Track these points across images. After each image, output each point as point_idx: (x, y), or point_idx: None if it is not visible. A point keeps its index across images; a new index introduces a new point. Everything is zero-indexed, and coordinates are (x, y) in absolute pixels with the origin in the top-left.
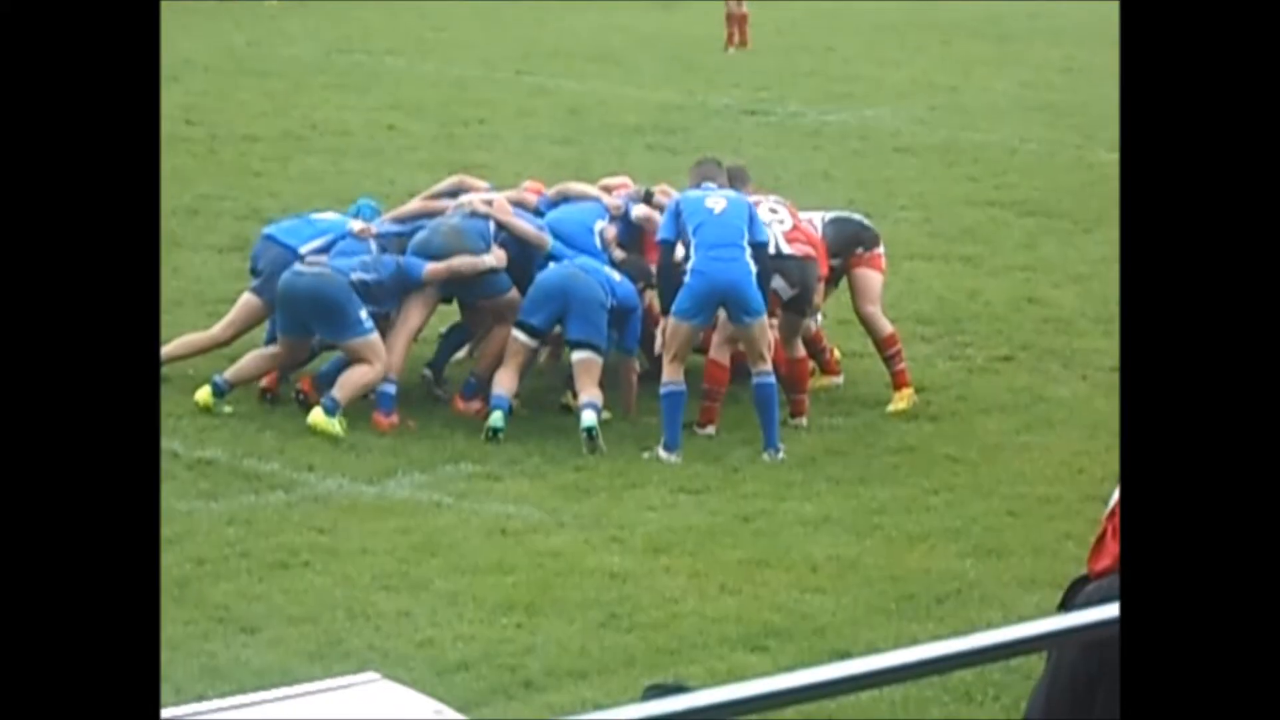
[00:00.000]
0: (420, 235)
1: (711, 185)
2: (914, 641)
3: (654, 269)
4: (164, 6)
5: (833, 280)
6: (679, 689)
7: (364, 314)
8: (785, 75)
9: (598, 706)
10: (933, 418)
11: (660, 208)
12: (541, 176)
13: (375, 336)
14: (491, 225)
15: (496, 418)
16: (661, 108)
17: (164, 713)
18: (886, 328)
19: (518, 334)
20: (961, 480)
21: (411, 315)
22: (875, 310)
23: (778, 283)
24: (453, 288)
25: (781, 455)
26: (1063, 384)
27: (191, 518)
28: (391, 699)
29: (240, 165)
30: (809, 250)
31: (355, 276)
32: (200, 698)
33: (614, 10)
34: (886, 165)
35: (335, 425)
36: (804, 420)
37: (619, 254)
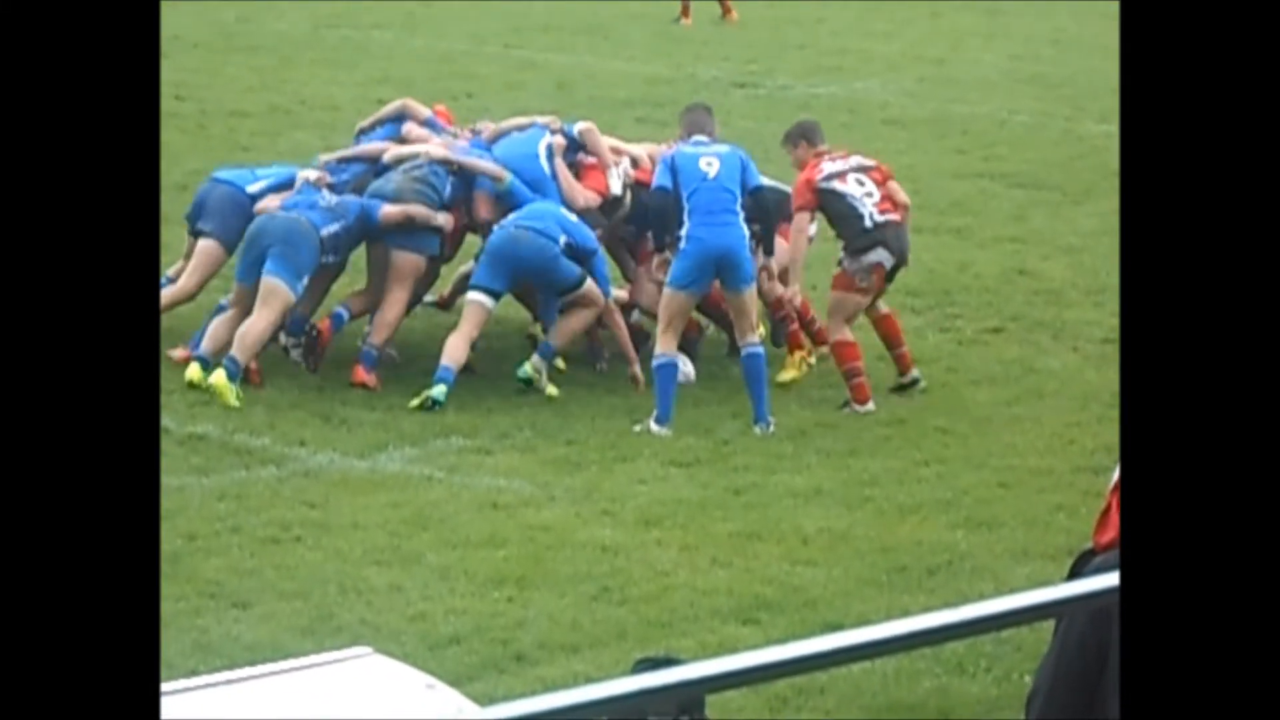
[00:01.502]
0: (378, 183)
1: (702, 138)
2: (905, 613)
3: (602, 214)
4: None
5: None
6: (670, 661)
7: (304, 280)
8: (774, 48)
9: (589, 679)
10: (923, 390)
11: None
12: None
13: (289, 292)
14: (447, 172)
15: (440, 391)
16: (650, 81)
17: None
18: (773, 291)
19: (478, 296)
20: (952, 452)
21: (396, 300)
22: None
23: (880, 254)
24: (393, 235)
25: (772, 428)
26: (1053, 356)
27: (183, 493)
28: (383, 673)
29: (229, 141)
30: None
31: (327, 231)
32: (192, 673)
33: None
34: (876, 138)
35: (232, 393)
36: (870, 405)
37: (573, 188)
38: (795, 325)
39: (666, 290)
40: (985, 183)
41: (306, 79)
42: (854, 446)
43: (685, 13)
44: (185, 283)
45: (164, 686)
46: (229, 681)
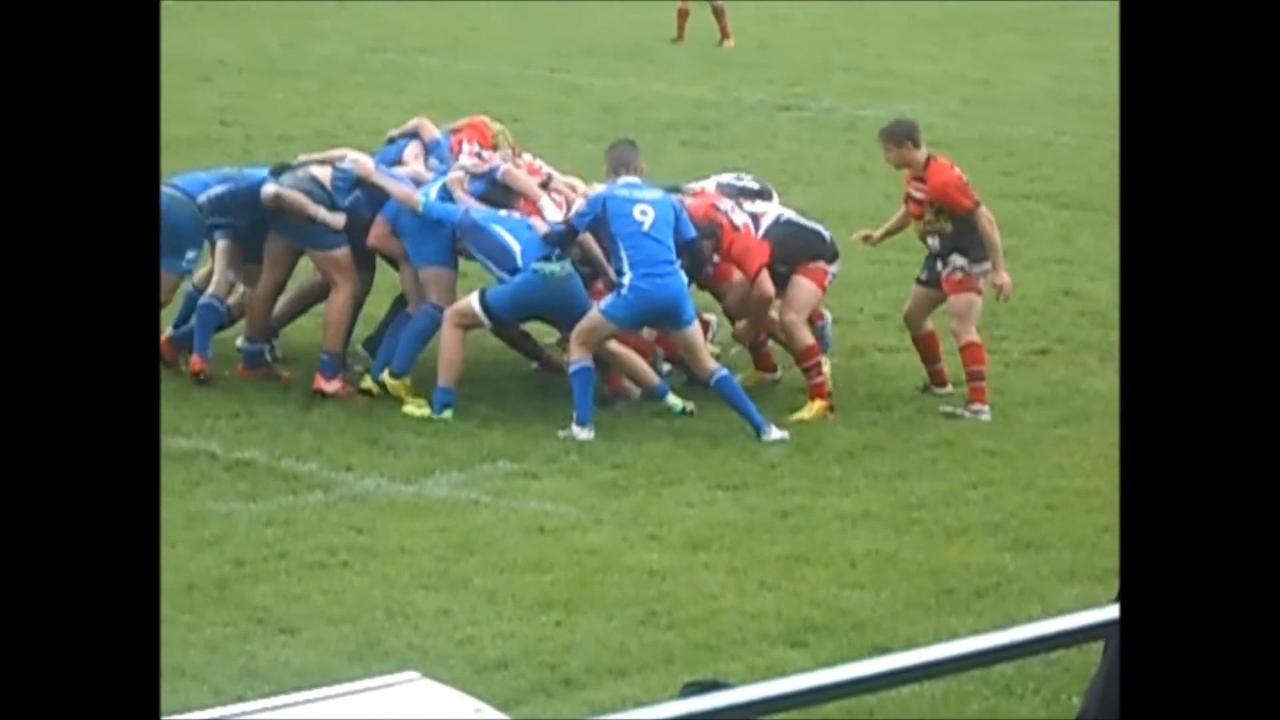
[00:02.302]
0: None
1: (633, 178)
2: (953, 636)
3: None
4: (197, 7)
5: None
6: (718, 685)
7: (191, 254)
8: (818, 70)
9: (637, 704)
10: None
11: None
12: (575, 174)
13: (172, 275)
14: (355, 184)
15: (447, 416)
16: (695, 104)
17: (204, 714)
18: (806, 339)
19: (480, 314)
20: (999, 474)
21: (336, 301)
22: (796, 319)
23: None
24: (291, 231)
25: (775, 432)
26: (1099, 377)
27: (230, 519)
28: (432, 698)
29: None
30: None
31: (209, 195)
32: (240, 699)
33: (647, 7)
34: None
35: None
36: (984, 408)
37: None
38: (821, 377)
39: (596, 314)
40: (1031, 204)
41: (351, 103)
42: (901, 469)
43: (725, 34)
44: (218, 278)
45: (211, 713)
46: (277, 707)
